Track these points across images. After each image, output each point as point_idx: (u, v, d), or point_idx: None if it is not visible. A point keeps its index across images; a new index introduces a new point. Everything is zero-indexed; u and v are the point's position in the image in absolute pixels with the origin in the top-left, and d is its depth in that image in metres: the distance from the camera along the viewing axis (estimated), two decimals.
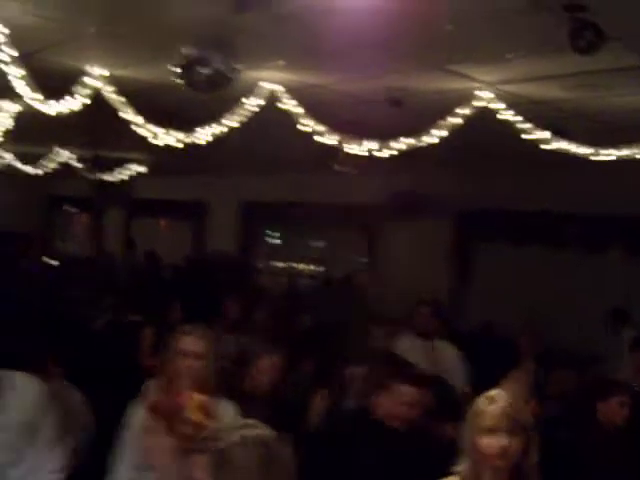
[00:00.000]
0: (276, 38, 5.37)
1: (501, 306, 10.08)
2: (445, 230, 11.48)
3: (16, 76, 5.75)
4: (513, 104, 6.41)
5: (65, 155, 13.34)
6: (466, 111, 6.40)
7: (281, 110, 6.65)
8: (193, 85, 5.46)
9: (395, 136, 7.12)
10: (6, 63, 5.48)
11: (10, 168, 14.42)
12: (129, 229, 17.22)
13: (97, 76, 6.42)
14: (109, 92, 6.52)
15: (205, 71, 5.31)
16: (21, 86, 5.92)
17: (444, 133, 6.70)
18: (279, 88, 6.54)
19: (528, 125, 6.54)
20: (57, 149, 13.23)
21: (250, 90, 6.50)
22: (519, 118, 6.47)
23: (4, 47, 5.31)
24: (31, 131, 9.48)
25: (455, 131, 6.62)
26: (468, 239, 11.56)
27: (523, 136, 6.61)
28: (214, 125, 6.98)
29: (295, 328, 8.90)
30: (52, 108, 6.37)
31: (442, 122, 6.62)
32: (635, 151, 6.85)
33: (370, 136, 7.15)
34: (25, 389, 3.92)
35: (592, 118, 7.12)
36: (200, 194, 15.20)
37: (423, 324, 6.88)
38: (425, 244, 11.59)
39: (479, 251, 11.50)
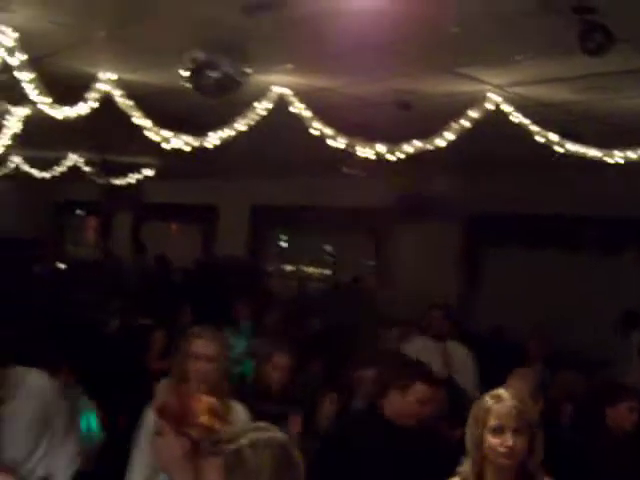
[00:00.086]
0: (285, 42, 5.39)
1: (511, 310, 10.05)
2: (454, 234, 11.46)
3: (26, 80, 5.78)
4: (522, 107, 6.40)
5: (75, 159, 13.38)
6: (475, 114, 6.39)
7: (290, 114, 6.66)
8: (202, 89, 5.48)
9: (404, 139, 7.11)
10: (17, 67, 5.51)
11: (20, 172, 14.47)
12: (139, 233, 17.25)
13: (107, 80, 6.45)
14: (119, 96, 6.54)
15: (214, 75, 5.33)
16: (31, 90, 5.95)
17: (453, 136, 6.69)
18: (288, 92, 6.55)
19: (538, 128, 6.53)
20: (67, 153, 13.28)
21: (259, 94, 6.51)
22: (528, 120, 6.46)
23: (15, 51, 5.33)
24: (41, 135, 9.52)
25: (464, 134, 6.62)
26: (478, 243, 11.54)
27: (533, 138, 6.59)
28: (224, 129, 6.99)
29: (304, 331, 8.91)
30: (62, 112, 6.40)
31: (451, 125, 6.61)
32: None
33: (379, 139, 7.15)
34: (36, 384, 4.06)
35: (601, 120, 7.10)
36: (210, 198, 15.21)
37: (436, 327, 6.91)
38: (434, 247, 11.57)
39: (489, 255, 11.48)
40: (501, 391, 3.12)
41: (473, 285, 11.47)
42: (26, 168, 14.29)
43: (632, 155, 6.86)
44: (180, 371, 3.87)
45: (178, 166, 11.98)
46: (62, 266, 15.13)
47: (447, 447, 3.74)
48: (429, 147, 6.95)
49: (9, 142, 9.46)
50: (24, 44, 5.37)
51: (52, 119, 6.55)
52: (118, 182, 14.61)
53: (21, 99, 6.75)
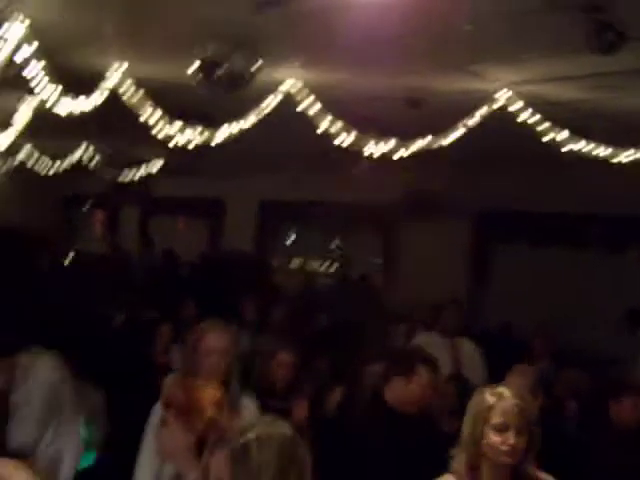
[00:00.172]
0: (294, 37, 5.39)
1: (519, 307, 10.04)
2: (463, 231, 11.45)
3: (36, 73, 5.79)
4: (531, 105, 6.39)
5: (83, 153, 13.39)
6: (484, 112, 6.39)
7: (299, 109, 6.66)
8: (212, 85, 5.48)
9: (413, 136, 7.11)
10: (27, 59, 5.52)
11: (27, 166, 14.49)
12: (147, 227, 17.25)
13: (116, 74, 6.45)
14: (128, 90, 6.55)
15: (224, 71, 5.33)
16: (41, 83, 5.96)
17: (462, 133, 6.69)
18: (297, 87, 6.55)
19: (546, 126, 6.52)
20: (75, 146, 13.29)
21: (268, 89, 6.51)
22: (537, 118, 6.45)
23: (26, 43, 5.34)
24: (49, 128, 9.53)
25: (473, 131, 6.61)
26: (486, 240, 11.53)
27: (541, 137, 6.59)
28: (232, 124, 6.99)
29: (311, 327, 8.91)
30: (70, 106, 6.40)
31: (460, 122, 6.61)
32: None
33: (388, 136, 7.14)
34: (45, 368, 4.17)
35: (610, 119, 7.09)
36: (218, 192, 15.21)
37: (449, 322, 6.89)
38: (442, 245, 11.54)
39: (496, 252, 11.46)
40: (502, 389, 3.11)
41: (482, 281, 11.46)
42: (33, 161, 14.32)
43: (636, 154, 6.87)
44: (190, 365, 3.88)
45: (186, 160, 11.98)
46: (69, 260, 15.15)
47: (447, 437, 3.74)
48: (438, 144, 6.95)
49: (17, 135, 9.50)
50: (35, 36, 5.37)
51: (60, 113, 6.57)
52: (126, 176, 14.61)
53: (30, 92, 6.77)
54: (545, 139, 6.59)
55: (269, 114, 6.70)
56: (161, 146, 8.47)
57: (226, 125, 7.07)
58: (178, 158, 12.04)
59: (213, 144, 7.31)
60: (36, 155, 14.14)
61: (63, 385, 4.37)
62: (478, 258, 11.58)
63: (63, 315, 7.69)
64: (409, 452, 3.91)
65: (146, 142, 10.22)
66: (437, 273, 11.22)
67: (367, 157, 7.63)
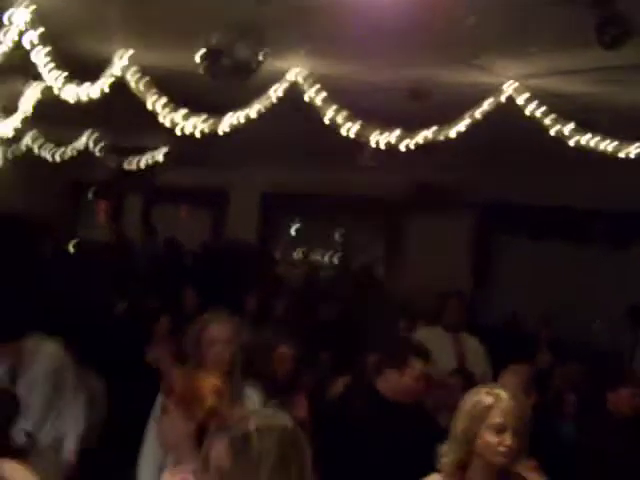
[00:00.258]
0: (300, 27, 5.38)
1: (521, 301, 10.04)
2: (466, 223, 11.45)
3: (41, 60, 5.78)
4: (537, 98, 6.38)
5: (87, 141, 13.39)
6: (490, 105, 6.38)
7: (304, 100, 6.65)
8: (217, 73, 5.47)
9: (418, 128, 7.10)
10: (32, 46, 5.51)
11: (32, 154, 14.49)
12: (150, 216, 17.25)
13: (121, 62, 6.44)
14: (133, 78, 6.54)
15: (229, 60, 5.32)
16: (46, 70, 5.96)
17: (467, 126, 6.68)
18: (302, 78, 6.54)
19: (551, 119, 6.51)
20: (79, 134, 13.29)
21: (273, 78, 6.50)
22: (542, 112, 6.44)
23: (30, 30, 5.33)
24: (54, 116, 9.52)
25: (478, 125, 6.60)
26: (489, 233, 11.52)
27: (546, 130, 6.57)
28: (237, 113, 6.98)
29: (314, 318, 8.92)
30: (75, 94, 6.40)
31: (465, 115, 6.59)
32: None
33: (393, 128, 7.13)
34: (49, 352, 4.59)
35: (614, 113, 7.07)
36: (222, 182, 15.20)
37: (452, 316, 6.86)
38: (445, 237, 11.55)
39: (500, 245, 11.46)
40: (498, 389, 3.11)
41: (483, 275, 11.45)
42: (38, 149, 14.31)
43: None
44: (195, 356, 3.89)
45: (190, 150, 11.97)
46: (72, 247, 15.16)
47: (440, 430, 3.76)
48: (442, 137, 6.94)
49: (22, 122, 9.49)
50: (40, 22, 5.36)
51: (65, 100, 6.55)
52: (130, 164, 14.60)
53: (35, 79, 6.77)
54: (550, 132, 6.58)
55: (274, 103, 6.69)
56: (165, 134, 8.47)
57: (230, 114, 7.06)
58: (182, 147, 12.05)
59: (218, 133, 7.30)
60: (40, 142, 14.13)
61: (66, 369, 4.60)
62: (481, 251, 11.57)
63: (65, 302, 7.71)
64: (403, 442, 3.94)
65: (150, 130, 10.23)
66: (440, 265, 11.22)
67: (371, 148, 7.62)
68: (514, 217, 11.05)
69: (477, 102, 6.44)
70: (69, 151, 14.04)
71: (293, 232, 15.26)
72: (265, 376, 4.86)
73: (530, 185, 10.28)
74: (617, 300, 9.12)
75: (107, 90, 6.41)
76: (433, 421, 4.47)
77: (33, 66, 5.93)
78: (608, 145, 7.01)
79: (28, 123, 9.69)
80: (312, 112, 6.75)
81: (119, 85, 6.51)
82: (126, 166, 14.61)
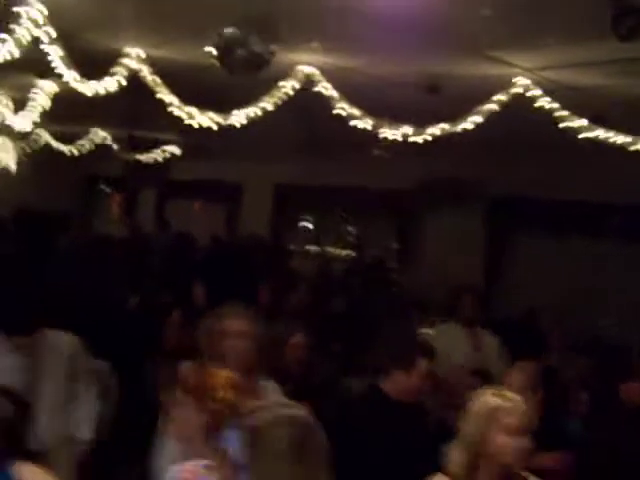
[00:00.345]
0: (313, 20, 5.36)
1: (536, 296, 10.00)
2: (480, 217, 11.41)
3: (55, 56, 5.80)
4: (550, 91, 6.35)
5: (101, 135, 13.43)
6: (503, 97, 6.35)
7: (317, 93, 6.64)
8: (230, 67, 5.47)
9: (431, 121, 7.07)
10: (45, 43, 5.53)
11: (47, 148, 14.55)
12: (163, 210, 17.29)
13: (134, 56, 6.45)
14: (146, 72, 6.55)
15: (242, 53, 5.32)
16: (60, 66, 5.97)
17: (480, 119, 6.65)
18: (315, 71, 6.53)
19: (565, 112, 6.47)
20: (94, 129, 13.33)
21: (286, 72, 6.49)
22: (556, 105, 6.40)
23: (43, 27, 5.34)
24: (69, 111, 9.55)
25: (492, 118, 6.57)
26: (504, 227, 11.47)
27: (561, 123, 6.54)
28: (250, 107, 6.98)
29: (327, 311, 8.92)
30: (89, 88, 6.41)
31: (479, 108, 6.57)
32: None
33: (406, 121, 7.11)
34: (64, 344, 4.77)
35: (629, 106, 7.02)
36: (236, 176, 15.21)
37: (467, 312, 6.84)
38: (459, 231, 11.52)
39: (513, 239, 11.41)
40: (506, 390, 3.11)
41: (497, 269, 11.41)
42: (53, 143, 14.37)
43: None
44: (210, 350, 3.89)
45: (204, 144, 11.99)
46: (86, 242, 15.20)
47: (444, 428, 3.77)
48: (456, 130, 6.92)
49: (37, 117, 9.53)
50: (52, 19, 5.37)
51: (79, 95, 6.57)
52: (144, 159, 14.64)
53: (49, 74, 6.79)
54: (563, 125, 6.54)
55: (286, 98, 6.68)
56: (179, 129, 8.48)
57: (243, 108, 7.05)
58: (196, 141, 12.07)
59: (231, 127, 7.30)
60: (55, 137, 14.20)
61: (80, 358, 4.74)
62: (495, 245, 11.52)
63: (78, 297, 7.73)
64: (406, 442, 3.95)
65: (164, 125, 10.25)
66: (453, 259, 11.19)
67: (385, 141, 7.61)
68: (528, 211, 10.99)
69: (491, 94, 6.41)
70: (85, 144, 14.10)
71: (307, 225, 15.26)
72: (277, 369, 4.89)
73: (545, 179, 10.22)
74: (631, 295, 9.07)
75: (121, 85, 6.43)
76: (439, 420, 4.48)
77: (45, 63, 5.95)
78: (623, 138, 6.97)
79: (42, 119, 9.73)
80: (326, 105, 6.74)
81: (134, 80, 6.52)
82: (140, 160, 14.65)
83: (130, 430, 5.82)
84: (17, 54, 5.31)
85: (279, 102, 6.69)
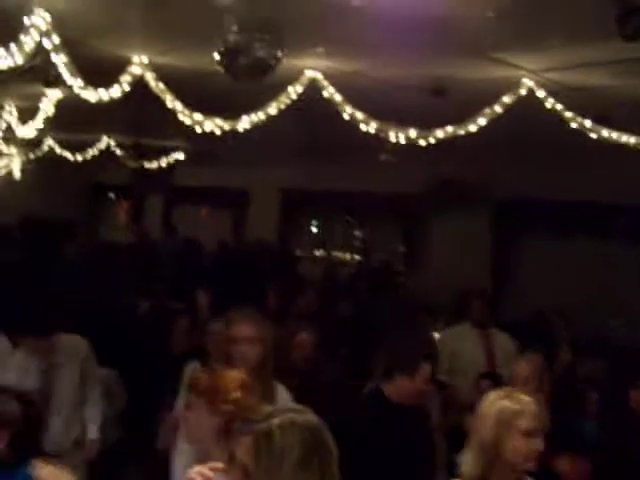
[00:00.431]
0: (317, 25, 5.37)
1: (543, 297, 9.98)
2: (487, 219, 11.40)
3: (60, 63, 5.82)
4: (555, 92, 6.34)
5: (107, 142, 13.46)
6: (510, 99, 6.35)
7: (323, 98, 6.64)
8: (234, 73, 5.47)
9: (437, 124, 7.08)
10: (51, 50, 5.54)
11: (53, 155, 14.59)
12: (170, 216, 17.32)
13: (140, 63, 6.47)
14: (151, 79, 6.56)
15: (246, 59, 5.32)
16: (65, 73, 5.99)
17: (487, 121, 6.65)
18: (320, 76, 6.54)
19: (571, 113, 6.47)
20: (100, 136, 13.36)
21: (291, 77, 6.50)
22: (563, 106, 6.40)
23: (49, 34, 5.36)
24: (74, 118, 9.58)
25: (498, 119, 6.57)
26: (510, 229, 11.45)
27: (566, 124, 6.53)
28: (255, 112, 6.99)
29: (334, 316, 8.92)
30: (95, 95, 6.43)
31: (485, 110, 6.57)
32: None
33: (412, 124, 7.11)
34: (77, 347, 5.02)
35: (635, 106, 7.01)
36: (242, 182, 15.22)
37: (477, 315, 6.85)
38: (466, 233, 11.51)
39: (521, 241, 11.40)
40: (518, 392, 3.10)
41: (504, 271, 11.39)
42: (59, 151, 14.41)
43: None
44: (218, 354, 3.92)
45: (210, 150, 12.01)
46: (94, 249, 15.23)
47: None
48: (462, 132, 6.92)
49: (43, 125, 9.56)
50: (57, 26, 5.39)
51: (85, 102, 6.59)
52: (150, 165, 14.67)
53: (55, 81, 6.81)
54: (570, 126, 6.54)
55: (292, 103, 6.69)
56: (185, 135, 8.49)
57: (248, 114, 7.07)
58: (202, 147, 12.08)
59: (237, 132, 7.31)
60: (61, 144, 14.23)
61: (90, 360, 4.91)
62: (501, 247, 11.51)
63: (85, 303, 7.76)
64: (409, 445, 3.95)
65: (170, 131, 10.27)
66: (460, 262, 11.19)
67: (391, 145, 7.61)
68: (535, 213, 10.97)
69: (496, 97, 6.41)
70: (89, 153, 14.13)
71: (314, 230, 15.27)
72: (283, 368, 4.89)
73: (551, 180, 10.21)
74: (638, 294, 9.05)
75: (127, 93, 6.45)
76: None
77: (50, 71, 5.98)
78: (629, 138, 6.96)
79: (49, 124, 9.75)
80: (331, 109, 6.74)
81: (140, 87, 6.54)
82: (146, 166, 14.68)
83: (137, 432, 5.87)
84: (22, 62, 5.33)
85: (284, 107, 6.70)
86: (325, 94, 6.62)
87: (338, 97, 6.67)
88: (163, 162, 14.63)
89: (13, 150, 14.89)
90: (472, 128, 6.78)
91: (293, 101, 6.68)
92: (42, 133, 11.43)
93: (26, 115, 9.85)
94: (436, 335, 7.36)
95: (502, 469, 2.96)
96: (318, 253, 14.83)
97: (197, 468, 2.57)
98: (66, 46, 5.63)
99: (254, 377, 3.38)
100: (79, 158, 14.67)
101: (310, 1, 4.83)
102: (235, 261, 12.55)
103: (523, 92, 6.27)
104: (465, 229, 11.52)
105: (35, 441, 3.30)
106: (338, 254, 14.44)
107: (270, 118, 6.92)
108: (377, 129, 6.96)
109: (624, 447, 4.64)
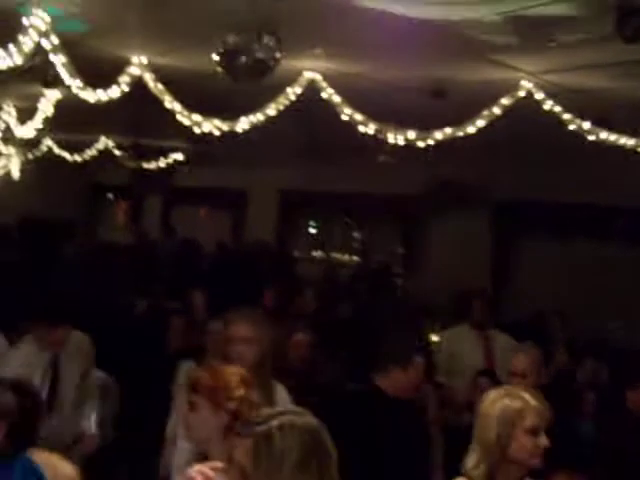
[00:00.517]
0: (317, 26, 5.37)
1: (542, 299, 9.98)
2: (486, 221, 11.40)
3: (59, 63, 5.81)
4: (555, 94, 6.34)
5: (107, 143, 13.46)
6: (508, 101, 6.35)
7: (322, 99, 6.64)
8: (234, 74, 5.47)
9: (436, 126, 7.08)
10: (49, 50, 5.54)
11: (52, 155, 14.58)
12: (169, 217, 17.32)
13: (139, 64, 6.47)
14: (150, 80, 6.56)
15: (246, 60, 5.32)
16: (64, 73, 5.99)
17: (486, 123, 6.65)
18: (319, 77, 6.54)
19: (571, 115, 6.47)
20: (99, 136, 13.36)
21: (290, 79, 6.50)
22: (561, 108, 6.40)
23: (48, 34, 5.36)
24: (73, 118, 9.57)
25: (497, 121, 6.57)
26: (509, 230, 11.45)
27: (565, 126, 6.53)
28: (254, 113, 6.99)
29: (333, 317, 8.92)
30: (94, 96, 6.43)
31: (484, 112, 6.57)
32: None
33: (411, 126, 7.11)
34: (79, 341, 5.05)
35: (634, 108, 7.02)
36: (241, 183, 15.22)
37: (477, 316, 6.84)
38: (465, 235, 11.51)
39: (520, 243, 11.40)
40: (518, 389, 3.09)
41: (503, 272, 11.39)
42: (58, 151, 14.40)
43: None
44: (216, 354, 3.93)
45: (209, 150, 12.01)
46: (93, 249, 15.23)
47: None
48: (460, 134, 6.92)
49: (42, 125, 9.55)
50: (55, 28, 5.38)
51: (84, 102, 6.58)
52: (149, 166, 14.67)
53: (54, 82, 6.81)
54: (569, 128, 6.54)
55: (291, 104, 6.69)
56: (183, 136, 8.49)
57: (247, 115, 7.06)
58: (201, 148, 12.08)
59: (236, 133, 7.31)
60: (60, 145, 14.23)
61: (89, 355, 4.95)
62: (500, 248, 11.51)
63: (83, 303, 7.75)
64: (403, 437, 3.97)
65: (169, 132, 10.27)
66: (459, 263, 11.18)
67: (390, 147, 7.61)
68: (534, 215, 10.97)
69: (495, 98, 6.41)
70: (88, 154, 14.13)
71: (312, 231, 15.27)
72: (280, 368, 4.89)
73: (550, 182, 10.21)
74: (636, 296, 9.05)
75: (126, 93, 6.44)
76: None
77: (50, 71, 5.98)
78: (627, 140, 6.96)
79: (48, 124, 9.75)
80: (330, 111, 6.74)
81: (139, 88, 6.53)
82: (145, 167, 14.67)
83: (134, 431, 5.88)
84: (21, 62, 5.33)
85: (283, 109, 6.70)
86: (324, 95, 6.62)
87: (337, 98, 6.67)
88: (162, 163, 14.62)
89: (12, 150, 14.88)
90: (471, 130, 6.78)
91: (292, 102, 6.68)
92: (41, 133, 11.42)
93: (25, 115, 9.85)
94: (435, 337, 7.38)
95: (508, 468, 2.96)
96: (317, 254, 14.82)
97: (197, 467, 2.56)
98: (65, 46, 5.63)
99: (253, 376, 3.38)
100: (78, 158, 14.67)
101: (309, 2, 4.82)
102: (233, 262, 12.54)
103: (522, 94, 6.26)
104: (464, 231, 11.52)
105: (33, 432, 3.29)
106: (337, 255, 14.43)
107: (269, 119, 6.92)
108: (376, 130, 6.96)
109: (621, 448, 4.64)
